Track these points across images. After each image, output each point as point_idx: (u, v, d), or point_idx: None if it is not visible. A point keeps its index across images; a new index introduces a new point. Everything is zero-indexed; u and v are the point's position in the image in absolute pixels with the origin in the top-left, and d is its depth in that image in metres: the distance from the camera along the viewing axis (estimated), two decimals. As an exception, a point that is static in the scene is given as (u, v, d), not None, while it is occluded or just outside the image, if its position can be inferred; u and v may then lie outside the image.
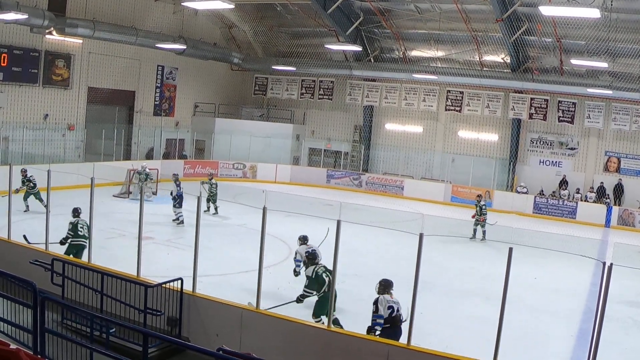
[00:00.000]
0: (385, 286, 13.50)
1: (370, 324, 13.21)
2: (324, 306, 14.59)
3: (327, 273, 14.86)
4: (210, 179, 32.43)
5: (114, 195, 33.13)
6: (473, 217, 30.23)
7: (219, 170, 45.12)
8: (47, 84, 36.76)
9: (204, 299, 14.31)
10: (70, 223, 18.10)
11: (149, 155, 42.33)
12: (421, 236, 12.09)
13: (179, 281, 14.13)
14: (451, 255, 26.08)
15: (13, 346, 9.37)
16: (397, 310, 13.35)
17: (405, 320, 13.23)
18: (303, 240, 17.59)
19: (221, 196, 31.23)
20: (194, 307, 14.22)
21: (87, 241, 16.80)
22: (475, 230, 30.06)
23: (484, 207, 30.23)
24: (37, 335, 11.20)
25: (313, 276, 15.18)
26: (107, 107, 41.80)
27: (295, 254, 17.74)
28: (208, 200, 31.55)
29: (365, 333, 12.98)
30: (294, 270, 17.60)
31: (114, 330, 12.35)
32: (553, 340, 17.07)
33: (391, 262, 23.05)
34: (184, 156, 46.15)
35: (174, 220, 28.34)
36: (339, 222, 12.72)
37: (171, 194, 28.57)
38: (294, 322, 13.23)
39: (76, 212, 18.39)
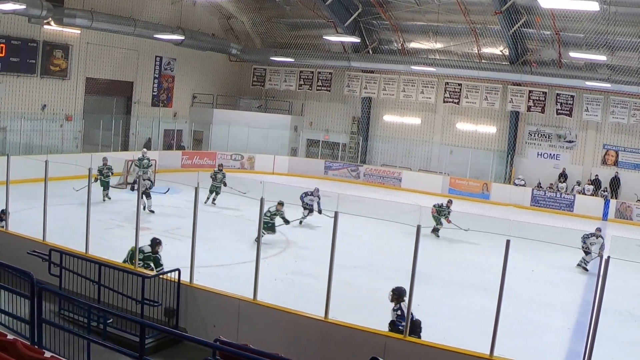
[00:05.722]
0: (400, 295, 13.47)
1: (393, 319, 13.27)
2: None
3: None
4: (220, 170, 32.61)
5: (111, 186, 33.08)
6: None
7: (217, 161, 45.02)
8: (45, 75, 36.68)
9: (202, 290, 14.32)
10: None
11: (147, 146, 42.17)
12: (418, 228, 12.10)
13: (177, 272, 14.14)
14: (448, 247, 26.12)
15: (10, 337, 9.41)
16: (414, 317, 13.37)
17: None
18: None
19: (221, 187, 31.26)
20: (192, 297, 14.23)
21: None
22: None
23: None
24: (35, 325, 11.19)
25: None
26: (105, 97, 41.80)
27: None
28: (212, 191, 31.69)
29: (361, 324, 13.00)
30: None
31: (111, 320, 12.37)
32: (550, 332, 17.11)
33: (389, 254, 23.09)
34: (182, 147, 46.14)
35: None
36: (336, 214, 12.72)
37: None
38: (292, 314, 13.24)
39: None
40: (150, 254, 15.59)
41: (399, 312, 13.27)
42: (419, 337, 13.29)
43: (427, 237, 21.68)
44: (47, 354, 9.31)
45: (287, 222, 25.39)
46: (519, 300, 18.86)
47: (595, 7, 23.77)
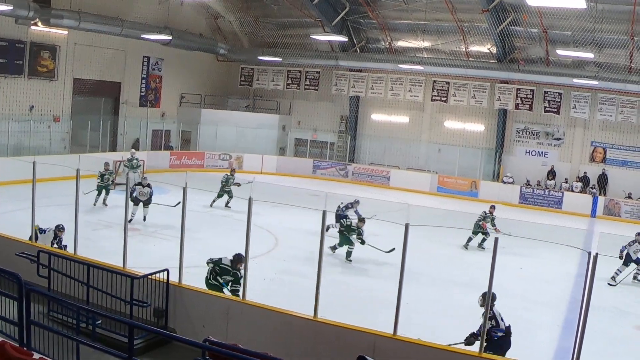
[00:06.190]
0: (492, 299, 13.37)
1: (475, 334, 13.10)
2: None
3: None
4: (232, 175, 32.07)
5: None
6: None
7: (205, 161, 45.07)
8: (32, 76, 36.59)
9: (191, 290, 14.30)
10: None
11: (135, 146, 42.03)
12: (407, 226, 12.11)
13: (165, 272, 14.11)
14: (438, 245, 26.13)
15: (-1, 338, 9.36)
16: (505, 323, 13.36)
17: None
18: None
19: (209, 187, 31.09)
20: (180, 298, 14.21)
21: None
22: None
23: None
24: (23, 327, 11.16)
25: None
26: (92, 98, 41.72)
27: None
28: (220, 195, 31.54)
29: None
30: None
31: (100, 322, 12.33)
32: (539, 329, 17.15)
33: (377, 252, 23.06)
34: (170, 147, 46.07)
35: None
36: (324, 213, 12.72)
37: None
38: (281, 313, 13.24)
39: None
40: (229, 269, 15.11)
41: (493, 322, 13.15)
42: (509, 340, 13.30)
43: (417, 236, 21.53)
44: (36, 356, 9.29)
45: (362, 242, 22.94)
46: (509, 297, 18.90)
47: (582, 4, 23.85)
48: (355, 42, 45.86)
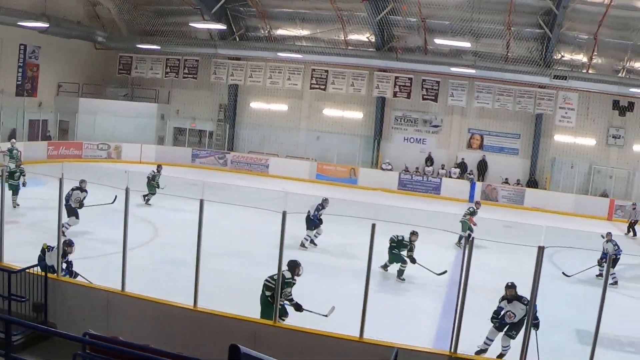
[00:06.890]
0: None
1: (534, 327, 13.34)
2: None
3: None
4: (158, 172, 29.97)
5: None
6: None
7: (83, 151, 44.38)
8: None
9: (70, 283, 14.11)
10: None
11: (12, 136, 41.13)
12: (284, 214, 12.17)
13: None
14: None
15: None
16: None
17: None
18: None
19: (87, 178, 30.55)
20: (60, 291, 13.96)
21: None
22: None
23: None
24: None
25: None
26: (-34, 88, 40.60)
27: None
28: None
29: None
30: None
31: (-24, 319, 12.06)
32: (419, 313, 17.44)
33: (256, 241, 23.12)
34: (47, 137, 45.17)
35: None
36: (202, 202, 12.67)
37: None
38: (161, 304, 13.14)
39: None
40: (290, 280, 14.30)
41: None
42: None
43: (294, 224, 21.68)
44: None
45: (413, 260, 20.93)
46: (389, 283, 19.14)
47: (459, -6, 24.29)
48: (235, 31, 45.73)
